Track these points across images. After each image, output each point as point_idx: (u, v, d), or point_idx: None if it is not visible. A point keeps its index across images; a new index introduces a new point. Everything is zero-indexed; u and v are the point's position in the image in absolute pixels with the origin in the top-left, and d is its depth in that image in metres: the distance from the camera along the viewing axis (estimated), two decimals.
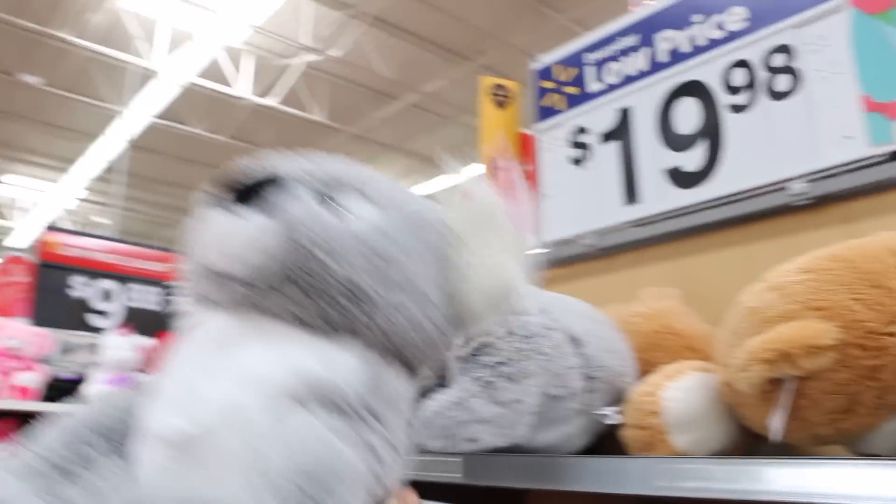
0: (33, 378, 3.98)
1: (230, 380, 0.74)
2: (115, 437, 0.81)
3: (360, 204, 0.84)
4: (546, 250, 2.01)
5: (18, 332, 4.00)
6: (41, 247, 4.61)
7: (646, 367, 1.29)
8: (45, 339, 4.09)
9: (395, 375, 0.82)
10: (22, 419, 3.99)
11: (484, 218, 0.91)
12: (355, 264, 0.79)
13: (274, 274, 0.77)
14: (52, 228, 4.76)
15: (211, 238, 0.79)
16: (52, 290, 4.51)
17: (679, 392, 1.10)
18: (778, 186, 1.57)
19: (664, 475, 0.92)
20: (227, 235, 0.78)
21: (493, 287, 0.88)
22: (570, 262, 1.99)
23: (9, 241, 13.05)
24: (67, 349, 4.16)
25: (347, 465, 0.69)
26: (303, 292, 0.78)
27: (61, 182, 12.04)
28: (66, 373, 4.40)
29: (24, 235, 12.16)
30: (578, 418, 1.18)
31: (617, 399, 1.22)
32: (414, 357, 0.86)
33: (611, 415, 1.20)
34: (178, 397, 0.75)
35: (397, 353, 0.83)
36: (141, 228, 13.16)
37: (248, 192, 0.78)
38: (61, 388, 4.16)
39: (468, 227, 0.90)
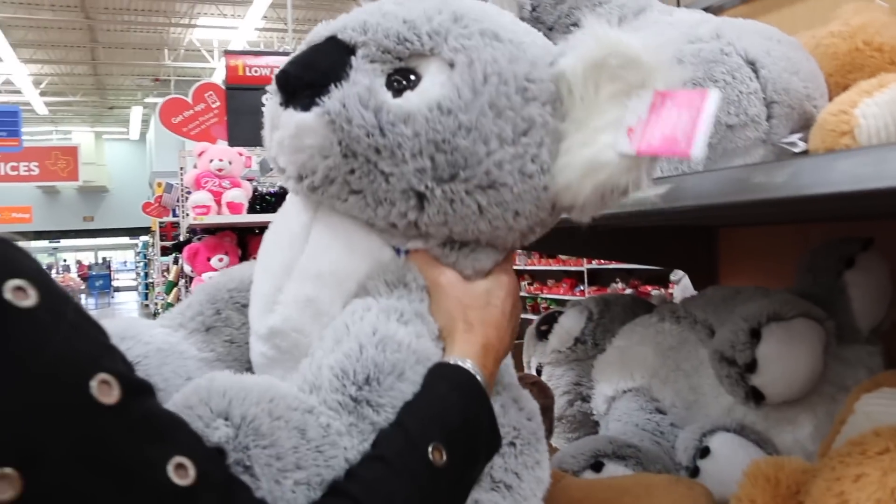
0: (240, 194, 4.27)
1: (306, 278, 0.78)
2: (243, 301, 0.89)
3: (434, 71, 0.76)
4: None
5: (221, 153, 4.26)
6: (227, 71, 4.80)
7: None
8: (244, 157, 4.34)
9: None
10: (238, 231, 4.34)
11: (607, 68, 0.75)
12: (407, 154, 0.74)
13: (319, 170, 0.76)
14: (233, 52, 4.90)
15: (266, 121, 0.83)
16: (243, 112, 4.72)
17: (878, 108, 0.94)
18: None
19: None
20: (272, 124, 0.80)
21: (598, 167, 0.75)
22: None
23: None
24: (266, 166, 4.40)
25: (408, 352, 0.73)
26: (350, 187, 0.77)
27: (245, 16, 12.41)
28: (269, 187, 4.68)
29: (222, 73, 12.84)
30: (760, 148, 1.05)
31: (804, 125, 1.07)
32: (492, 241, 0.82)
33: (797, 142, 1.06)
34: (267, 297, 0.80)
35: (463, 241, 0.81)
36: None
37: (307, 84, 0.76)
38: (266, 202, 4.45)
39: (588, 84, 0.76)
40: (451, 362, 0.75)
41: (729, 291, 1.32)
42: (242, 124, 4.69)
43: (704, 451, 1.10)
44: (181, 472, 0.52)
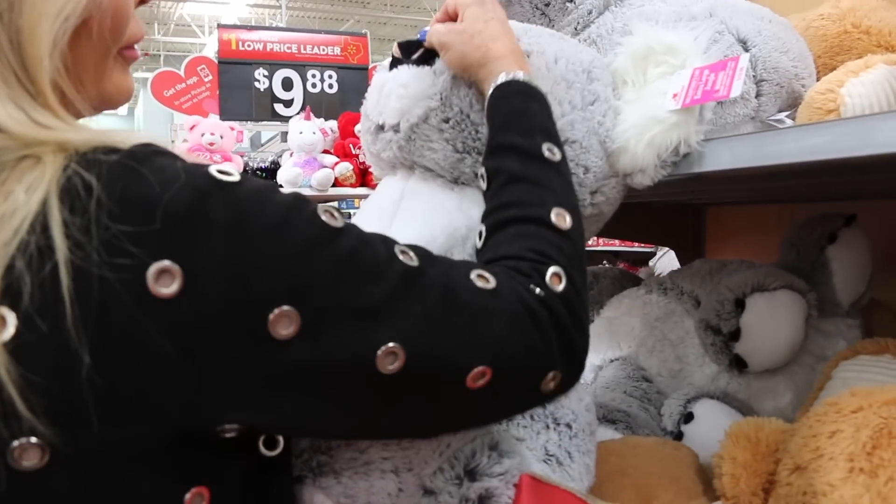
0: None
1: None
2: None
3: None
4: None
5: (213, 127, 4.26)
6: (220, 46, 4.79)
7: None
8: (235, 132, 4.33)
9: None
10: None
11: (653, 55, 0.92)
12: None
13: (419, 112, 0.88)
14: (227, 26, 4.89)
15: (371, 96, 0.95)
16: (236, 86, 4.72)
17: (864, 87, 0.97)
18: None
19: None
20: (380, 85, 0.92)
21: (650, 123, 0.89)
22: None
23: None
24: (257, 140, 4.41)
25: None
26: (442, 134, 0.88)
27: None
28: (260, 163, 4.68)
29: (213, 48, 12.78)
30: (748, 125, 1.08)
31: (792, 104, 1.11)
32: None
33: (785, 120, 1.09)
34: None
35: None
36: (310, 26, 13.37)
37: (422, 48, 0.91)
38: (257, 177, 4.45)
39: (636, 69, 0.92)
40: (504, 79, 0.81)
41: (715, 264, 1.36)
42: (235, 98, 4.69)
43: (688, 417, 1.14)
44: (408, 257, 0.62)
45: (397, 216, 0.89)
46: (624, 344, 1.37)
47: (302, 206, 0.58)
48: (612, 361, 1.38)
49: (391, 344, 0.57)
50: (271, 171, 4.35)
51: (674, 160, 0.91)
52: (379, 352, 0.56)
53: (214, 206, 0.53)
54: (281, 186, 0.91)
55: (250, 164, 4.58)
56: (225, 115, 4.57)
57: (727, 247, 1.84)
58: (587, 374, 1.45)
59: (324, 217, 0.58)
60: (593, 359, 1.42)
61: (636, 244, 6.95)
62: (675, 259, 2.02)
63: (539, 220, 0.71)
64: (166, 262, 0.51)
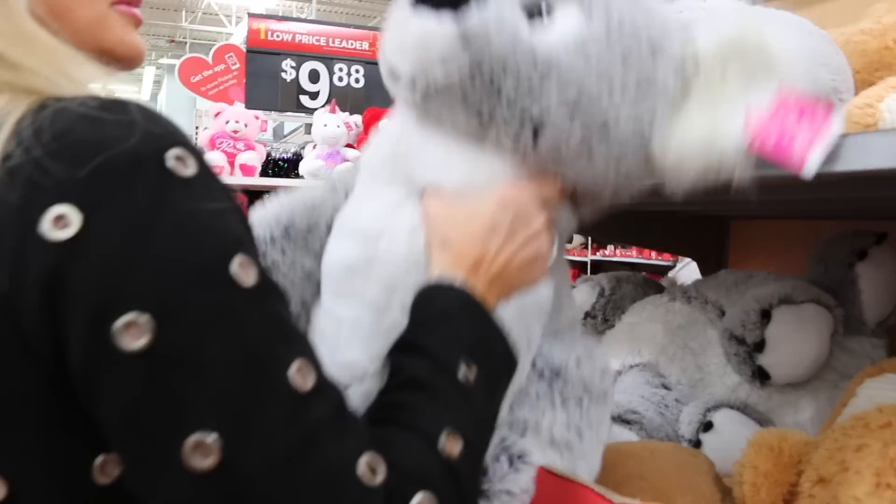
0: (254, 157, 4.29)
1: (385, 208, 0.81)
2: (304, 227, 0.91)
3: (570, 15, 0.76)
4: None
5: (238, 115, 4.28)
6: (249, 34, 4.80)
7: None
8: (260, 120, 4.35)
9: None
10: (249, 194, 4.36)
11: (740, 51, 0.76)
12: (535, 86, 0.74)
13: (439, 77, 0.74)
14: (257, 16, 4.91)
15: (391, 33, 0.79)
16: (262, 75, 4.74)
17: None
18: None
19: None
20: (403, 33, 0.76)
21: (707, 146, 0.76)
22: None
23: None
24: (279, 131, 4.42)
25: None
26: (465, 101, 0.75)
27: None
28: (282, 153, 4.69)
29: (240, 38, 12.83)
30: None
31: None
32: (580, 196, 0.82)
33: None
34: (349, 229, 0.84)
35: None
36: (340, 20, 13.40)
37: None
38: (279, 167, 4.47)
39: (716, 63, 0.77)
40: (435, 283, 0.70)
41: (741, 275, 1.35)
42: (261, 88, 4.70)
43: (707, 426, 1.14)
44: (301, 375, 0.52)
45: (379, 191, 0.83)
46: (645, 350, 1.37)
47: (222, 244, 0.52)
48: (631, 367, 1.37)
49: (211, 436, 0.48)
50: (293, 161, 4.36)
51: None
52: (192, 436, 0.48)
53: (142, 180, 0.50)
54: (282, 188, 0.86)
55: (273, 154, 4.59)
56: (250, 103, 4.58)
57: (750, 261, 1.83)
58: None
59: (234, 266, 0.51)
60: (613, 364, 1.42)
61: (653, 256, 6.93)
62: (697, 271, 2.01)
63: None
64: (69, 208, 0.48)
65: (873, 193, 1.08)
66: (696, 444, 1.14)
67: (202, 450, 0.47)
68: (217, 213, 0.53)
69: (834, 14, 1.66)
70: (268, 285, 0.54)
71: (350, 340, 0.81)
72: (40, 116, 0.51)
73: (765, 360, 1.13)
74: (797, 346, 1.13)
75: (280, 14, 13.97)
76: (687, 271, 2.63)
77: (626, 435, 1.14)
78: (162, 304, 0.48)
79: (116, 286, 0.48)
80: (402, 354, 0.66)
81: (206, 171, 0.54)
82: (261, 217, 0.92)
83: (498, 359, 0.69)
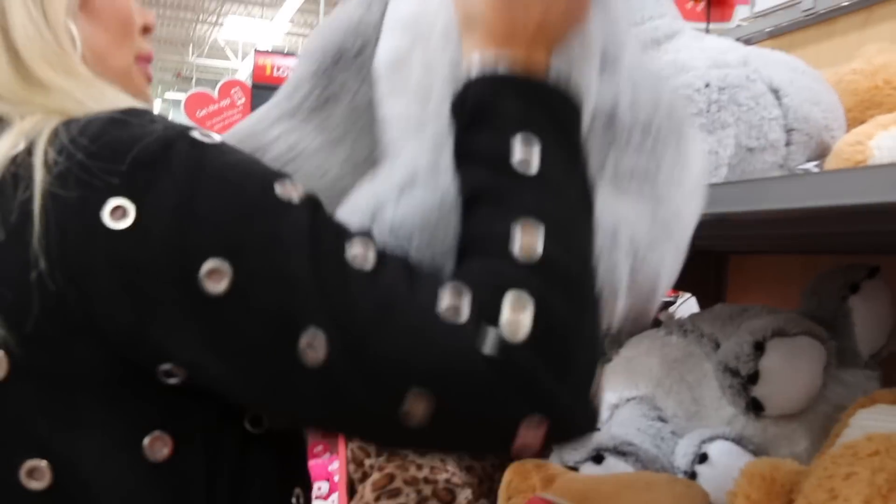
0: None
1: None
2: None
3: None
4: (759, 18, 1.83)
5: None
6: (255, 70, 4.87)
7: None
8: None
9: None
10: None
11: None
12: None
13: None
14: (264, 52, 4.98)
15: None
16: None
17: (893, 140, 1.00)
18: None
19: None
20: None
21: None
22: (786, 30, 1.80)
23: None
24: None
25: None
26: None
27: (274, 18, 12.54)
28: None
29: (245, 73, 12.96)
30: (776, 173, 1.11)
31: (821, 154, 1.13)
32: None
33: (812, 170, 1.11)
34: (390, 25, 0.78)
35: None
36: None
37: None
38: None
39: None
40: (464, 80, 0.65)
41: (736, 309, 1.37)
42: None
43: (703, 457, 1.15)
44: (363, 257, 0.58)
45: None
46: (641, 383, 1.38)
47: (261, 178, 0.59)
48: (628, 400, 1.38)
49: (317, 331, 0.55)
50: None
51: None
52: (302, 338, 0.55)
53: (176, 156, 0.58)
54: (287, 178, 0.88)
55: None
56: None
57: (749, 295, 1.85)
58: (603, 413, 1.46)
59: (278, 190, 0.58)
60: (610, 397, 1.43)
61: None
62: (696, 306, 2.03)
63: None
64: (123, 200, 0.56)
65: (865, 228, 1.11)
66: (692, 475, 1.15)
67: (314, 345, 0.55)
68: (247, 159, 0.61)
69: (826, 54, 1.70)
70: (308, 193, 0.61)
71: (403, 135, 0.74)
72: (72, 127, 0.59)
73: (759, 391, 1.15)
74: (791, 378, 1.14)
75: (286, 50, 14.15)
76: (687, 306, 2.65)
77: (621, 466, 1.15)
78: (229, 245, 0.56)
79: (185, 248, 0.56)
80: (457, 173, 0.64)
81: (223, 143, 0.61)
82: (309, 48, 0.86)
83: (561, 115, 0.64)
